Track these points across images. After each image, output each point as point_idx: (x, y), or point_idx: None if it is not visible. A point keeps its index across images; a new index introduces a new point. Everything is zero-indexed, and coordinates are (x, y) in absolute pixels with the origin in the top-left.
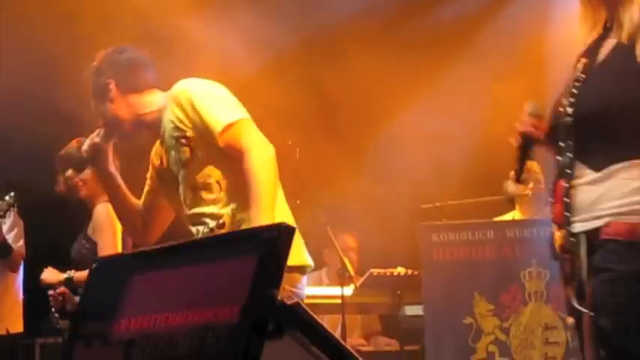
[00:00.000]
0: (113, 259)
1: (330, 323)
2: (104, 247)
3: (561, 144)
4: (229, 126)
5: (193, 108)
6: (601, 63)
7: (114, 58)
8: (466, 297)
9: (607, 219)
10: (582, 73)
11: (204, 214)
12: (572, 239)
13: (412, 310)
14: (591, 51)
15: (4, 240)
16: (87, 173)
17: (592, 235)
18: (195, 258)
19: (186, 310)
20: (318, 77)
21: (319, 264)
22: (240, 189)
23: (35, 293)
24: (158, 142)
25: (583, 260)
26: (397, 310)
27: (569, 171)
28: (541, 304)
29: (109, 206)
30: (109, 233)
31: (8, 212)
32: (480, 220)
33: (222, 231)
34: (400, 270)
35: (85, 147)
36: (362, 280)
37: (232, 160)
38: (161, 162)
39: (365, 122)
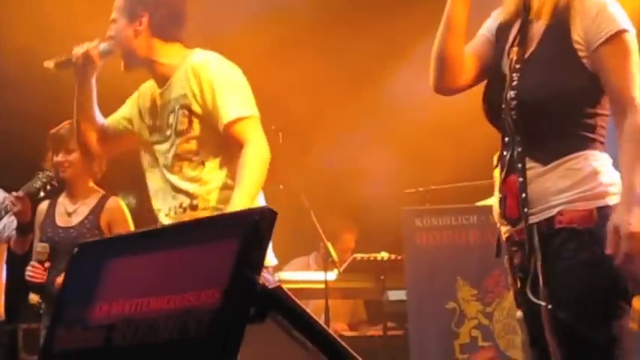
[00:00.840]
0: (95, 244)
1: (315, 309)
2: None
3: (507, 139)
4: (239, 119)
5: (211, 88)
6: (535, 52)
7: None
8: (449, 282)
9: (560, 207)
10: (517, 62)
11: (179, 189)
12: (525, 231)
13: (395, 295)
14: (522, 38)
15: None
16: (75, 156)
17: (543, 225)
18: (176, 242)
19: (168, 295)
20: (303, 60)
21: (308, 249)
22: (221, 177)
23: (15, 279)
24: (154, 86)
25: (537, 251)
26: (380, 295)
27: (520, 165)
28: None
29: (120, 200)
30: (128, 228)
31: (48, 186)
32: (463, 204)
33: (194, 213)
34: (383, 255)
35: (77, 52)
36: (345, 264)
37: (225, 148)
38: (153, 107)
39: (348, 105)
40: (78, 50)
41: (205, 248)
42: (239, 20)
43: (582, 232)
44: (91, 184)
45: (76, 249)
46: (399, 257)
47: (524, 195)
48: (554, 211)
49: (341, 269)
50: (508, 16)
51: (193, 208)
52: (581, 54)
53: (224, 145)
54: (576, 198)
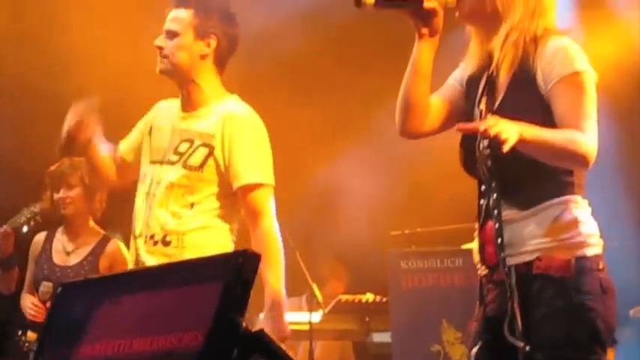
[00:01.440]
0: (79, 284)
1: (305, 350)
2: None
3: (484, 187)
4: (258, 185)
5: (241, 143)
6: (504, 100)
7: (232, 24)
8: (434, 324)
9: (538, 254)
10: (487, 112)
11: (157, 218)
12: (504, 273)
13: (380, 337)
14: (490, 88)
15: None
16: (77, 192)
17: (522, 268)
18: (160, 283)
19: (151, 336)
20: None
21: (296, 290)
22: (201, 223)
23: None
24: (178, 107)
25: (515, 292)
26: (365, 336)
27: (496, 212)
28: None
29: (120, 242)
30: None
31: (32, 221)
32: (449, 247)
33: (165, 249)
34: (369, 296)
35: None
36: (330, 306)
37: (222, 202)
38: (167, 127)
39: (333, 146)
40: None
41: (189, 290)
42: None
43: (560, 281)
44: (92, 223)
45: (59, 289)
46: (385, 299)
47: (500, 240)
48: (533, 255)
49: (326, 310)
50: (475, 68)
51: (166, 243)
52: (545, 96)
53: (223, 198)
54: (555, 246)
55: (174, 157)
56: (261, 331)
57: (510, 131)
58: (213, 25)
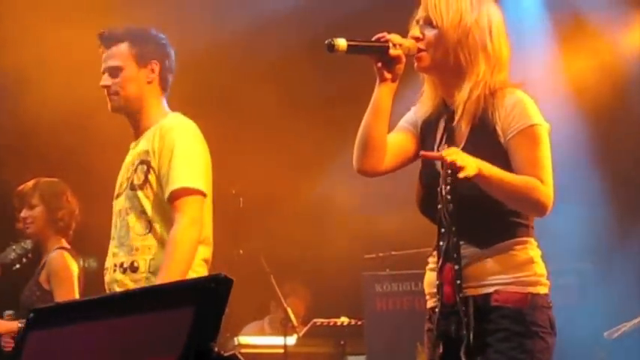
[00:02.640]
0: (50, 309)
1: None
2: (62, 297)
3: (444, 230)
4: (185, 190)
5: (171, 150)
6: (465, 148)
7: (167, 47)
8: (409, 347)
9: (496, 287)
10: None
11: (122, 244)
12: (461, 303)
13: None
14: (449, 136)
15: None
16: (37, 211)
17: (479, 299)
18: (130, 309)
19: None
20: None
21: (262, 313)
22: (164, 241)
23: None
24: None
25: (471, 321)
26: None
27: (456, 255)
28: None
29: (65, 253)
30: (67, 283)
31: (24, 258)
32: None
33: (134, 275)
34: (343, 320)
35: None
36: (305, 329)
37: (170, 216)
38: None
39: (308, 169)
40: None
41: (160, 315)
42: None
43: (517, 311)
44: (63, 242)
45: (31, 315)
46: (359, 322)
47: (459, 282)
48: (491, 289)
49: (301, 334)
50: (429, 113)
51: (134, 269)
52: (505, 147)
53: (168, 211)
54: (512, 282)
55: (125, 184)
56: (234, 355)
57: (469, 162)
58: (151, 50)
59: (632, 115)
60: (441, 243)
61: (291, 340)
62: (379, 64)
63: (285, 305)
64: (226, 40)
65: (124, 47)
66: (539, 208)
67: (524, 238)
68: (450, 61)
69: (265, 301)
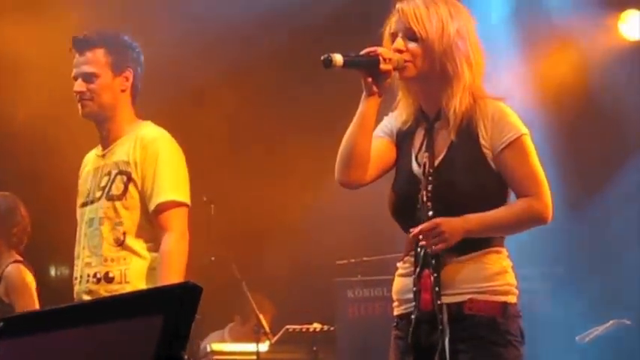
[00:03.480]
0: (20, 318)
1: None
2: (24, 309)
3: (421, 236)
4: (172, 203)
5: (155, 162)
6: (447, 156)
7: (139, 54)
8: (381, 353)
9: (470, 296)
10: (430, 167)
11: (94, 253)
12: (438, 311)
13: None
14: (429, 144)
15: None
16: None
17: (453, 307)
18: (100, 317)
19: None
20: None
21: (223, 322)
22: (141, 254)
23: None
24: (99, 148)
25: (446, 330)
26: None
27: (434, 262)
28: None
29: (21, 266)
30: (27, 294)
31: None
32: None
33: (109, 286)
34: (316, 326)
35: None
36: (278, 336)
37: (149, 225)
38: (92, 169)
39: (280, 175)
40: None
41: (129, 324)
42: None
43: (491, 320)
44: (15, 255)
45: (0, 324)
46: (332, 328)
47: (437, 289)
48: (465, 297)
49: (273, 340)
50: (406, 123)
51: (108, 280)
52: (488, 157)
53: (150, 222)
54: (486, 290)
55: (98, 193)
56: None
57: (454, 233)
58: (126, 59)
59: (601, 119)
60: (419, 250)
61: (264, 347)
62: (369, 79)
63: (257, 311)
64: (197, 45)
65: (100, 54)
66: (540, 222)
67: (498, 248)
68: (435, 71)
69: (229, 311)
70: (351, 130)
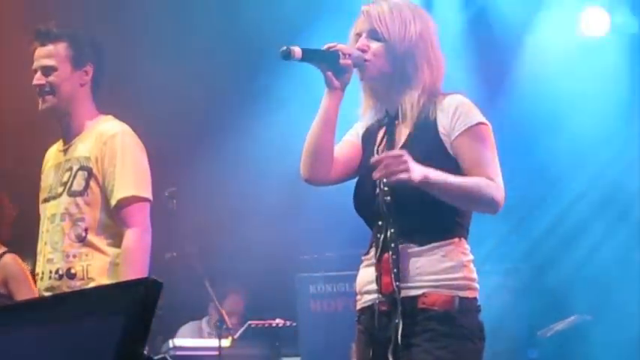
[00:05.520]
0: None
1: None
2: (27, 297)
3: (381, 223)
4: (133, 198)
5: (115, 158)
6: (405, 145)
7: (102, 50)
8: (344, 349)
9: (424, 290)
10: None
11: (56, 249)
12: (393, 304)
13: None
14: (389, 136)
15: None
16: None
17: (407, 301)
18: (58, 314)
19: None
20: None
21: (200, 314)
22: (103, 249)
23: None
24: (60, 144)
25: (399, 322)
26: None
27: (393, 245)
28: None
29: (15, 256)
30: (28, 283)
31: None
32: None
33: (71, 282)
34: (278, 321)
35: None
36: (240, 331)
37: (111, 221)
38: (53, 165)
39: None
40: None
41: (88, 321)
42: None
43: (444, 315)
44: (2, 246)
45: None
46: (295, 323)
47: (396, 270)
48: (420, 291)
49: (236, 336)
50: (370, 122)
51: (70, 276)
52: (446, 143)
53: (111, 217)
54: (442, 284)
55: (60, 189)
56: (164, 358)
57: (415, 167)
58: (87, 53)
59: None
60: (379, 235)
61: (226, 342)
62: (329, 73)
63: (220, 307)
64: (157, 38)
65: (60, 47)
66: (492, 205)
67: (459, 240)
68: (396, 71)
69: (203, 302)
70: (313, 126)
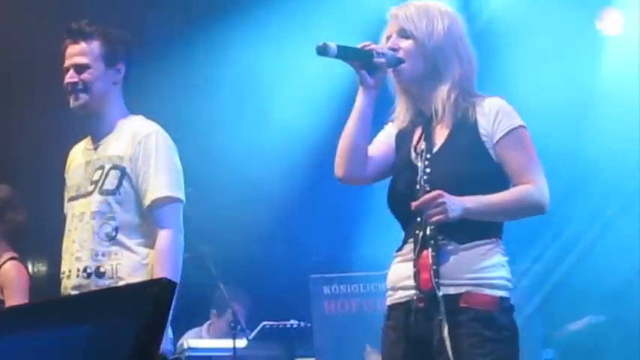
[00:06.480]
0: None
1: None
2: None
3: (420, 220)
4: (167, 199)
5: (150, 158)
6: (445, 144)
7: (132, 48)
8: (358, 349)
9: (467, 288)
10: (427, 153)
11: (84, 247)
12: (432, 301)
13: None
14: (427, 134)
15: None
16: None
17: (450, 299)
18: (72, 315)
19: None
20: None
21: (203, 318)
22: (133, 249)
23: None
24: (89, 141)
25: (444, 321)
26: None
27: (432, 241)
28: None
29: (18, 264)
30: (22, 294)
31: None
32: (371, 272)
33: (100, 281)
34: (293, 322)
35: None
36: (254, 332)
37: (143, 221)
38: (82, 163)
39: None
40: None
41: (103, 321)
42: None
43: (486, 315)
44: (11, 250)
45: None
46: (309, 325)
47: (435, 267)
48: (462, 289)
49: (250, 337)
50: (405, 124)
51: (99, 275)
52: (487, 145)
53: (143, 217)
54: (483, 283)
55: (90, 187)
56: (178, 358)
57: (453, 206)
58: (120, 50)
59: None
60: (417, 232)
61: (241, 343)
62: (363, 71)
63: (234, 308)
64: None
65: (94, 45)
66: (538, 210)
67: (497, 240)
68: (428, 68)
69: (207, 307)
70: (349, 125)
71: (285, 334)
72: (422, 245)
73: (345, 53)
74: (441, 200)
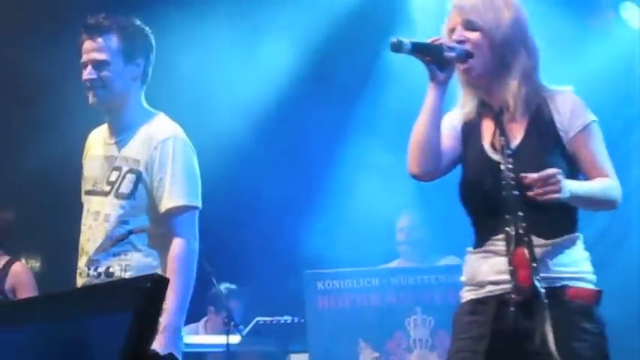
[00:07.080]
0: None
1: None
2: None
3: (508, 216)
4: (184, 208)
5: (164, 165)
6: (525, 139)
7: (152, 42)
8: (351, 344)
9: (565, 282)
10: (508, 149)
11: (97, 247)
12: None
13: (298, 358)
14: (501, 130)
15: None
16: None
17: (550, 293)
18: (67, 311)
19: None
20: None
21: (198, 316)
22: (143, 253)
23: None
24: (107, 133)
25: (546, 314)
26: (284, 358)
27: (526, 239)
28: (426, 351)
29: (24, 265)
30: (35, 293)
31: None
32: (365, 267)
33: (110, 280)
34: (286, 318)
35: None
36: (248, 328)
37: (155, 226)
38: (100, 155)
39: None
40: None
41: (95, 318)
42: None
43: (587, 308)
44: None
45: None
46: (302, 320)
47: (534, 264)
48: (561, 282)
49: (244, 332)
50: (469, 117)
51: (109, 275)
52: (564, 141)
53: (159, 224)
54: (578, 277)
55: (107, 188)
56: (171, 354)
57: (563, 190)
58: (139, 45)
59: None
60: (508, 229)
61: (234, 339)
62: (433, 66)
63: (227, 304)
64: None
65: (112, 40)
66: (614, 204)
67: (578, 234)
68: (496, 61)
69: (202, 304)
70: (420, 121)
71: (279, 330)
72: (516, 242)
73: (418, 49)
74: (558, 178)
